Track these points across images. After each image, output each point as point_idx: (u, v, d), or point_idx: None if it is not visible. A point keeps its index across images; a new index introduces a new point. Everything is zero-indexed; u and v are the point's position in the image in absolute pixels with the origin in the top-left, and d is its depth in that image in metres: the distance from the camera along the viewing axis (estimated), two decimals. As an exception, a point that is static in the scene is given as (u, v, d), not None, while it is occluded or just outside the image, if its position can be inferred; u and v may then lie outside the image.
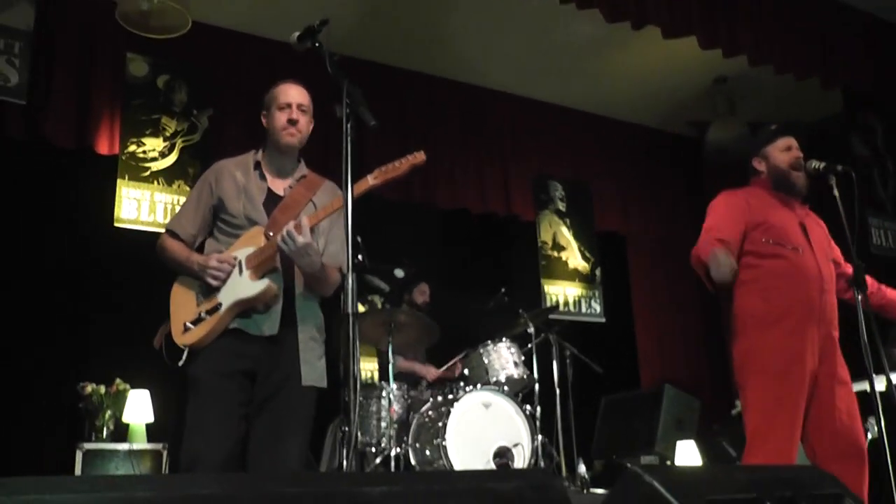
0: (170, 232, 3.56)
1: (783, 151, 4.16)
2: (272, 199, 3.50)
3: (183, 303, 3.44)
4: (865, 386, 5.27)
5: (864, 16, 7.73)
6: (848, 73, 7.42)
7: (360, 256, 6.30)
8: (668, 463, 7.04)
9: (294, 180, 3.59)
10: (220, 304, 3.32)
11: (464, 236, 8.61)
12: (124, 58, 6.82)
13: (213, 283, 3.32)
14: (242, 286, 3.30)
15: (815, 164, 4.07)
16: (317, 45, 2.93)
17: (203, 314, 3.34)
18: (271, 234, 3.31)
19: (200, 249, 3.60)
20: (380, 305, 7.50)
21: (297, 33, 2.97)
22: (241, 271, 3.33)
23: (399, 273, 6.86)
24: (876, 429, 5.10)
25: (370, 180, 3.23)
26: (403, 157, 3.29)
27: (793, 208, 4.14)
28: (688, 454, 6.79)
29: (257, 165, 3.58)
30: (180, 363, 3.31)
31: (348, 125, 2.70)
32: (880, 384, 4.46)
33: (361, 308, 7.35)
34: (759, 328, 3.89)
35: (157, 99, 6.91)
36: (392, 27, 7.57)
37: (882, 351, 4.10)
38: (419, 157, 3.28)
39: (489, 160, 8.56)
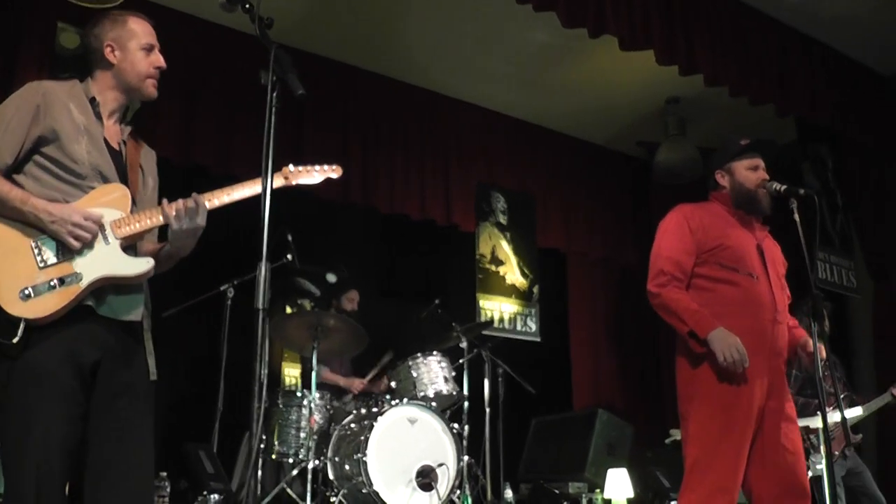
0: None
1: (749, 170, 3.95)
2: (110, 152, 2.92)
3: (11, 257, 2.68)
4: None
5: (823, 48, 7.65)
6: (804, 104, 7.33)
7: (289, 256, 6.02)
8: (598, 490, 6.82)
9: (125, 135, 3.03)
10: (78, 275, 2.66)
11: (401, 243, 8.36)
12: (55, 27, 6.41)
13: (75, 244, 2.68)
14: (115, 259, 2.74)
15: (776, 185, 3.88)
16: (247, 6, 2.61)
17: (54, 282, 2.64)
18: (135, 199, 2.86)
19: None
20: (309, 309, 7.22)
21: (226, -7, 2.64)
22: (106, 239, 2.75)
23: (332, 277, 6.64)
24: (818, 466, 4.99)
25: (282, 179, 2.92)
26: (320, 166, 2.99)
27: (752, 229, 3.96)
28: (619, 482, 6.57)
29: (94, 103, 2.94)
30: (15, 340, 2.57)
31: (273, 94, 2.39)
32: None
33: (290, 311, 7.08)
34: (706, 356, 3.66)
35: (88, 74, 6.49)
36: (341, 22, 7.29)
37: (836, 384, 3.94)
38: (337, 170, 3.02)
39: (432, 166, 8.31)
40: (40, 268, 2.67)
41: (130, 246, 2.84)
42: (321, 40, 7.45)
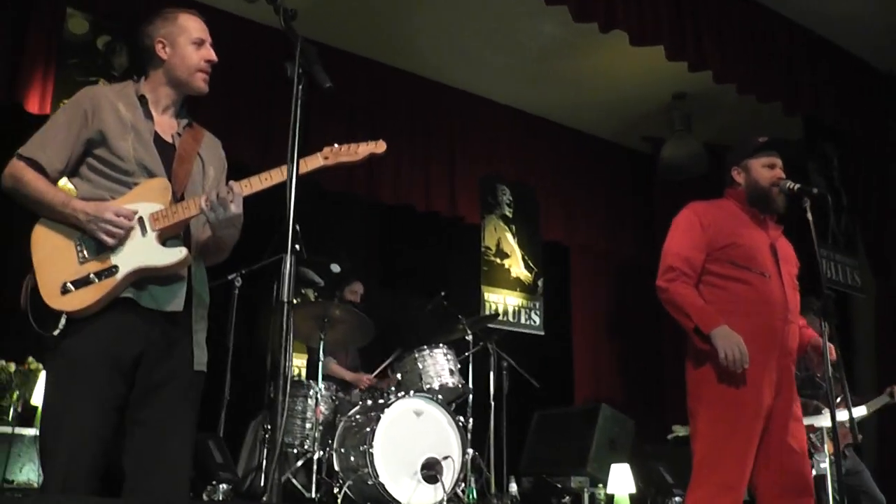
0: (28, 160, 2.85)
1: (765, 168, 3.95)
2: (161, 145, 2.97)
3: (55, 253, 2.79)
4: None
5: (831, 47, 7.68)
6: (811, 102, 7.35)
7: (297, 246, 5.99)
8: (600, 485, 6.83)
9: (181, 127, 3.08)
10: (115, 267, 2.75)
11: (406, 234, 8.35)
12: (64, 13, 6.43)
13: (109, 241, 2.75)
14: (149, 251, 2.79)
15: (789, 184, 3.87)
16: (272, -3, 2.60)
17: (92, 276, 2.73)
18: (174, 190, 2.88)
19: None
20: (312, 300, 7.21)
21: (249, -16, 2.63)
22: (144, 231, 2.81)
23: (335, 268, 6.62)
24: (821, 465, 5.01)
25: (321, 159, 2.87)
26: (363, 142, 2.94)
27: (766, 228, 3.94)
28: (621, 477, 6.59)
29: (143, 101, 3.02)
30: (56, 332, 2.67)
31: (299, 87, 2.38)
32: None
33: (294, 301, 7.05)
34: (716, 354, 3.65)
35: (96, 60, 6.51)
36: (349, 11, 7.28)
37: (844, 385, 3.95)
38: (380, 145, 2.96)
39: (437, 157, 8.31)
40: (80, 263, 2.76)
41: (174, 237, 2.87)
42: (329, 29, 7.40)
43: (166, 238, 2.84)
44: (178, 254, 2.82)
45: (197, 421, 2.96)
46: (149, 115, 2.99)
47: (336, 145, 2.91)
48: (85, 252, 2.78)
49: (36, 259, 2.79)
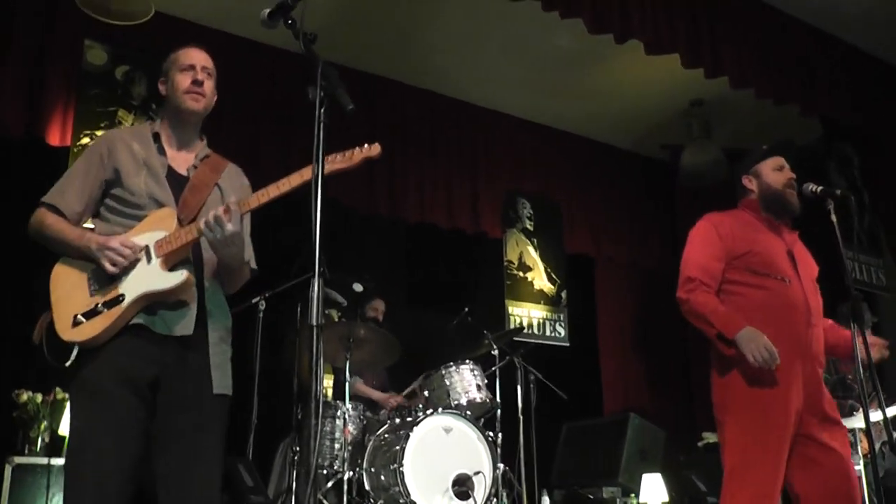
0: (49, 206, 3.00)
1: (775, 170, 3.96)
2: (174, 178, 3.07)
3: (70, 290, 2.89)
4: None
5: (846, 46, 7.64)
6: (827, 103, 7.32)
7: (322, 268, 5.99)
8: (632, 495, 6.79)
9: (197, 160, 3.17)
10: (122, 296, 2.81)
11: (429, 252, 8.35)
12: (82, 45, 6.49)
13: (111, 269, 2.82)
14: (153, 277, 2.84)
15: (812, 187, 3.88)
16: (290, 22, 2.61)
17: (100, 306, 2.81)
18: (182, 217, 2.93)
19: None
20: (336, 320, 7.21)
21: (267, 10, 2.65)
22: (149, 259, 2.87)
23: (358, 287, 6.62)
24: (855, 468, 4.96)
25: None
26: (357, 147, 2.94)
27: (780, 234, 3.94)
28: (654, 487, 6.55)
29: (156, 137, 3.15)
30: (67, 364, 2.76)
31: (321, 110, 2.39)
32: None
33: (317, 321, 7.04)
34: (740, 362, 3.64)
35: (115, 91, 6.58)
36: (364, 31, 7.31)
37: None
38: (374, 149, 2.95)
39: (459, 174, 8.31)
40: (91, 295, 2.86)
41: (183, 262, 2.92)
42: (345, 50, 7.43)
43: (173, 263, 2.89)
44: (179, 276, 2.86)
45: (224, 444, 2.98)
46: (162, 151, 3.10)
47: (331, 155, 2.90)
48: (96, 285, 2.87)
49: (54, 297, 2.89)
